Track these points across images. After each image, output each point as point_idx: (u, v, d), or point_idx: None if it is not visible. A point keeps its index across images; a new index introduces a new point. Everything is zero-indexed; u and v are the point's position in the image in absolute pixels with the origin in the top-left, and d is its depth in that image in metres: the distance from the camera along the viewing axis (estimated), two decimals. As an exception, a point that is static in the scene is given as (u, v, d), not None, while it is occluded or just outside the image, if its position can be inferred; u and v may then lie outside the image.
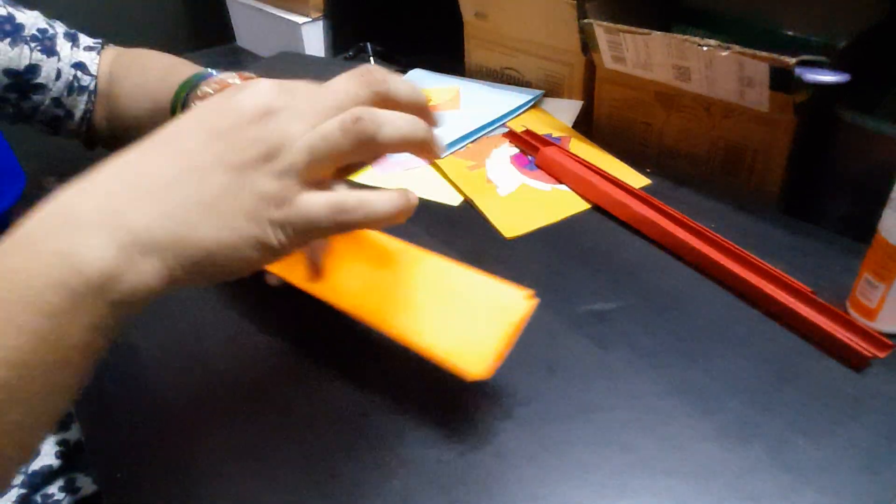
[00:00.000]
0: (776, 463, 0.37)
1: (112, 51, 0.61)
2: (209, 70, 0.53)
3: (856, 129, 0.54)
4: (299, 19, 0.96)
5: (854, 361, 0.42)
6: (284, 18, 0.98)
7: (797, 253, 0.52)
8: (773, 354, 0.44)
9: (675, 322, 0.47)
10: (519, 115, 0.76)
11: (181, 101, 0.51)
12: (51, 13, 0.57)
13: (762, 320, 0.46)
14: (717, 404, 0.40)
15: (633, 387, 0.42)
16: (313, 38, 0.99)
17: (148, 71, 0.57)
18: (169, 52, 0.59)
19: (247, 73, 0.51)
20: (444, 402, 0.42)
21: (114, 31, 1.03)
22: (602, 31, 0.63)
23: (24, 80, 0.54)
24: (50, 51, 0.56)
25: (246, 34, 1.09)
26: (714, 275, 0.50)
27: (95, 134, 0.60)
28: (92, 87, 0.58)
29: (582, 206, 0.60)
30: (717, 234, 0.52)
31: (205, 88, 0.50)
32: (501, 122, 0.74)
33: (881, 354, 0.42)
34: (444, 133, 0.69)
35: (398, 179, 0.66)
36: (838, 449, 0.37)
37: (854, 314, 0.45)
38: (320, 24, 0.99)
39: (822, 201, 0.59)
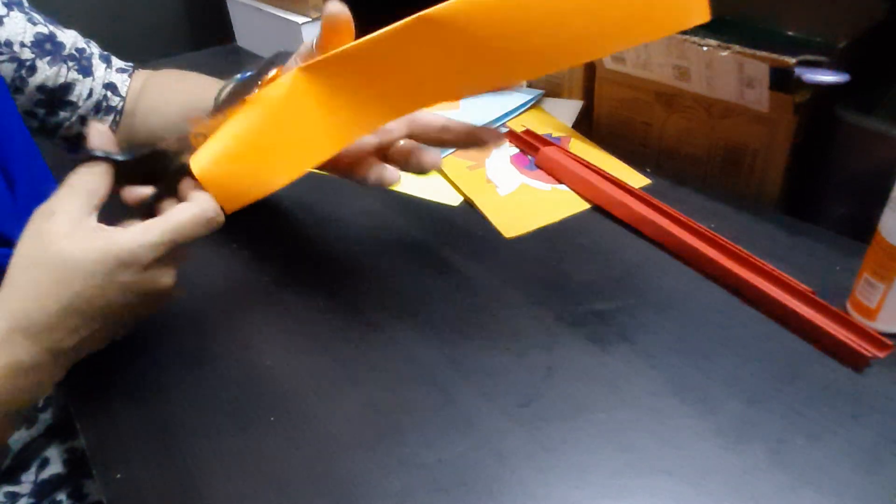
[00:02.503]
0: (775, 463, 0.37)
1: (143, 73, 0.61)
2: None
3: (856, 129, 0.54)
4: (299, 19, 0.96)
5: (854, 361, 0.42)
6: (284, 18, 0.98)
7: (797, 253, 0.52)
8: (773, 354, 0.44)
9: (675, 322, 0.47)
10: (519, 115, 0.76)
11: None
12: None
13: (762, 320, 0.46)
14: (716, 404, 0.40)
15: (632, 387, 0.42)
16: (313, 38, 0.99)
17: (180, 90, 0.57)
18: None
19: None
20: (444, 402, 0.42)
21: (114, 30, 1.03)
22: (602, 31, 0.63)
23: (55, 96, 0.55)
24: (86, 71, 0.56)
25: (246, 34, 1.09)
26: (714, 275, 0.50)
27: None
28: (119, 107, 0.58)
29: (582, 206, 0.60)
30: (717, 234, 0.52)
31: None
32: (501, 122, 0.74)
33: (881, 354, 0.42)
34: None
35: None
36: (838, 449, 0.37)
37: (854, 314, 0.45)
38: (320, 24, 0.99)
39: (822, 201, 0.59)
